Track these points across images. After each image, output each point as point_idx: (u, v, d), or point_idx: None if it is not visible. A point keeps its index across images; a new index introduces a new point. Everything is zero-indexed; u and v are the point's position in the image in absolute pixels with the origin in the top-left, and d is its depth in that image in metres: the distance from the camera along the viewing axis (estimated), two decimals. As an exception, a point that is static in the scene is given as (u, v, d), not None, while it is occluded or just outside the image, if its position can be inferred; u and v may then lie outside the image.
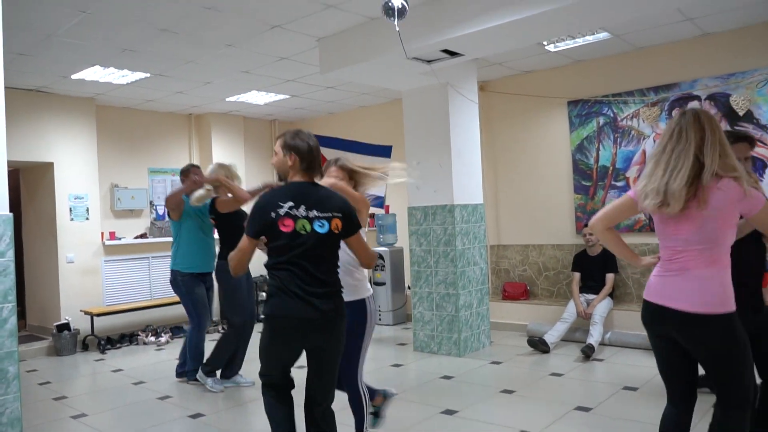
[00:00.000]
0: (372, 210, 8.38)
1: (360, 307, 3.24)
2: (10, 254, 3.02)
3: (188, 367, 5.22)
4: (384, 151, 8.42)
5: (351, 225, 2.80)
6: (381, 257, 7.80)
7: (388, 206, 8.19)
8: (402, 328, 7.58)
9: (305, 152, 2.78)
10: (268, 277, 2.80)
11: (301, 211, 2.69)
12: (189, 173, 5.23)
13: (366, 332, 3.29)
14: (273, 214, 2.68)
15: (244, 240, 2.75)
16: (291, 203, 2.69)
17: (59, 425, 4.36)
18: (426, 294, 6.08)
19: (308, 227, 2.69)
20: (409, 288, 7.86)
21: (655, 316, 2.45)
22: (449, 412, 4.25)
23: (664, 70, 6.08)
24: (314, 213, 2.71)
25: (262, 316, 2.86)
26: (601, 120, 6.53)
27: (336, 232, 2.75)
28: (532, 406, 4.29)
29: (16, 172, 7.79)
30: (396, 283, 7.86)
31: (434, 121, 5.94)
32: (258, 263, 3.26)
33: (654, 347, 2.56)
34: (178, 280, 5.11)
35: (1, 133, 2.97)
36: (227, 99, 7.68)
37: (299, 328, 2.73)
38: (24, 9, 4.44)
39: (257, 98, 7.74)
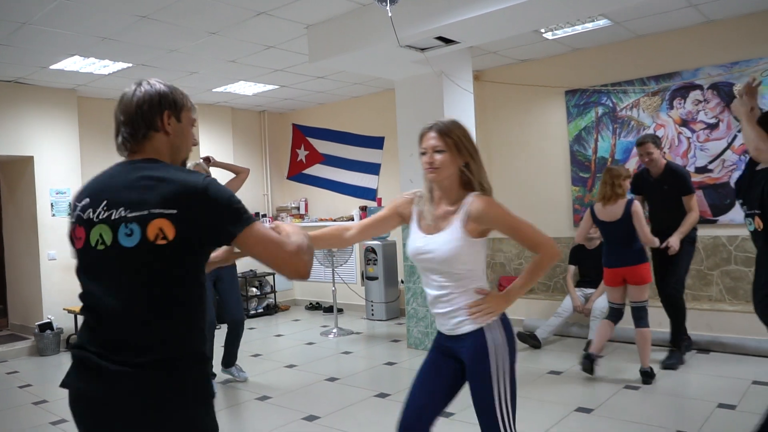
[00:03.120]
0: (364, 202, 8.21)
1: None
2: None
3: None
4: (376, 143, 8.23)
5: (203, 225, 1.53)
6: (373, 251, 7.62)
7: (380, 198, 8.00)
8: (396, 323, 7.41)
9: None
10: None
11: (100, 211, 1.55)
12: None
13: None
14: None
15: None
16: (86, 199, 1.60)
17: (37, 432, 4.17)
18: (420, 290, 5.89)
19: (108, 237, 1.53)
20: (402, 282, 7.70)
21: None
22: (445, 414, 4.07)
23: (665, 58, 5.89)
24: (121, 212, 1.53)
25: None
26: (600, 110, 6.34)
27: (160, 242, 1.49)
28: (532, 408, 4.12)
29: (-5, 166, 7.53)
30: (389, 277, 7.68)
31: (428, 112, 5.73)
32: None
33: None
34: None
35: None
36: (214, 90, 7.44)
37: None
38: (-6, -6, 4.20)
39: (245, 89, 7.51)
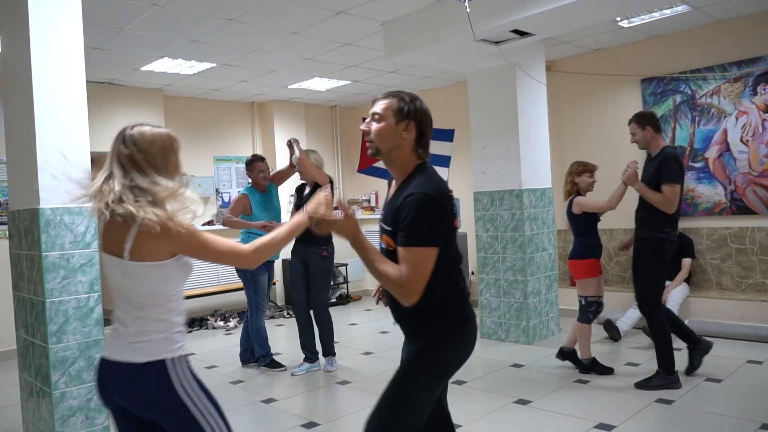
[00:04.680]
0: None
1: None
2: (95, 245, 3.11)
3: (258, 353, 5.31)
4: (446, 135, 8.29)
5: None
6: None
7: (451, 190, 8.07)
8: (466, 314, 7.49)
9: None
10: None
11: None
12: (254, 166, 5.31)
13: None
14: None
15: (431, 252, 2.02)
16: None
17: (140, 408, 4.52)
18: (493, 280, 5.97)
19: None
20: (472, 273, 7.78)
21: None
22: (522, 401, 4.16)
23: (747, 42, 5.71)
24: None
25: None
26: (678, 98, 6.21)
27: None
28: (610, 398, 4.16)
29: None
30: (460, 268, 7.75)
31: (501, 104, 5.79)
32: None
33: None
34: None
35: (83, 126, 3.05)
36: (289, 86, 7.72)
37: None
38: (97, 4, 4.54)
39: (319, 85, 7.74)
